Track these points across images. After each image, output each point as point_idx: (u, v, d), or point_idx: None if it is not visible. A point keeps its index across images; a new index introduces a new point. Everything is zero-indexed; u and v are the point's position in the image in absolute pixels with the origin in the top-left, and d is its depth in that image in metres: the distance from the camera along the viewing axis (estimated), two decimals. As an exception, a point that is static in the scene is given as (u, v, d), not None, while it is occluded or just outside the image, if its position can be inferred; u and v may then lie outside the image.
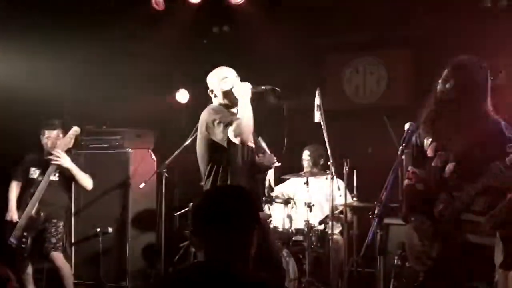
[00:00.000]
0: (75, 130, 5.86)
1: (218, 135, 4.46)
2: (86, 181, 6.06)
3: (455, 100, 3.70)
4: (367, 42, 7.50)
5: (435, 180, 3.77)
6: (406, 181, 4.02)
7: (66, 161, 5.84)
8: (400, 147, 3.65)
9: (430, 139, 3.81)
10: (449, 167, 3.70)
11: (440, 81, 3.78)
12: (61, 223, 5.99)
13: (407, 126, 3.72)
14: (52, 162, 5.79)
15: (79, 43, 7.28)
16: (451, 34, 6.67)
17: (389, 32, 7.21)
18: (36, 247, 5.86)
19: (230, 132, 4.38)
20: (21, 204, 5.92)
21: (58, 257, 5.89)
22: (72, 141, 5.89)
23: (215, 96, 4.74)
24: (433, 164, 3.78)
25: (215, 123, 4.47)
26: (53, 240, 5.87)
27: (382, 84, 7.62)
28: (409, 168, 3.98)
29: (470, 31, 6.52)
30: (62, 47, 7.19)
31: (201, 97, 5.53)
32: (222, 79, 4.71)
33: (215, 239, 2.45)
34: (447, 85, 3.73)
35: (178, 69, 8.07)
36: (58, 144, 5.86)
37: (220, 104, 4.71)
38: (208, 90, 4.78)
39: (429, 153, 3.78)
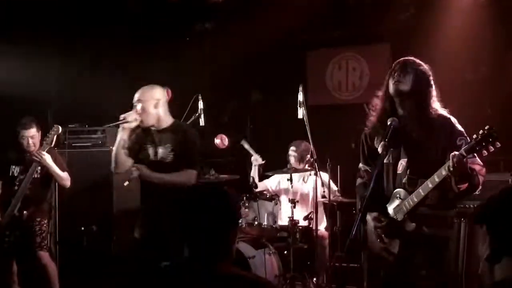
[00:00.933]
0: (56, 128, 5.83)
1: None
2: (63, 179, 6.02)
3: (401, 98, 3.76)
4: (347, 38, 7.52)
5: (388, 177, 3.80)
6: (358, 180, 4.06)
7: (46, 159, 5.82)
8: (382, 142, 3.68)
9: (380, 137, 3.82)
10: (401, 163, 3.74)
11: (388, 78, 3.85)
12: (45, 222, 5.97)
13: (389, 121, 3.74)
14: (33, 158, 5.77)
15: (66, 42, 7.25)
16: (428, 28, 6.73)
17: (369, 28, 7.24)
18: (21, 247, 5.84)
19: None
20: (3, 202, 5.89)
21: (43, 256, 5.88)
22: (54, 139, 5.85)
23: None
24: (385, 161, 3.80)
25: None
26: (38, 239, 5.85)
27: (364, 79, 7.65)
28: (360, 166, 4.03)
29: (447, 25, 6.59)
30: (48, 45, 7.17)
31: (185, 95, 5.53)
32: None
33: (196, 238, 2.50)
34: (391, 86, 3.79)
35: (161, 67, 8.03)
36: (43, 144, 5.82)
37: None
38: None
39: (380, 150, 3.77)
